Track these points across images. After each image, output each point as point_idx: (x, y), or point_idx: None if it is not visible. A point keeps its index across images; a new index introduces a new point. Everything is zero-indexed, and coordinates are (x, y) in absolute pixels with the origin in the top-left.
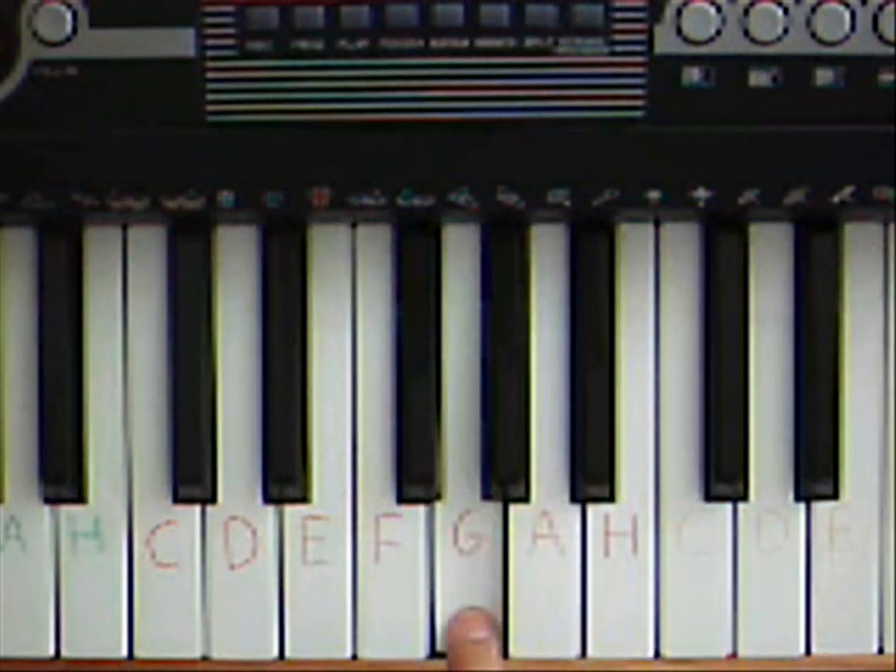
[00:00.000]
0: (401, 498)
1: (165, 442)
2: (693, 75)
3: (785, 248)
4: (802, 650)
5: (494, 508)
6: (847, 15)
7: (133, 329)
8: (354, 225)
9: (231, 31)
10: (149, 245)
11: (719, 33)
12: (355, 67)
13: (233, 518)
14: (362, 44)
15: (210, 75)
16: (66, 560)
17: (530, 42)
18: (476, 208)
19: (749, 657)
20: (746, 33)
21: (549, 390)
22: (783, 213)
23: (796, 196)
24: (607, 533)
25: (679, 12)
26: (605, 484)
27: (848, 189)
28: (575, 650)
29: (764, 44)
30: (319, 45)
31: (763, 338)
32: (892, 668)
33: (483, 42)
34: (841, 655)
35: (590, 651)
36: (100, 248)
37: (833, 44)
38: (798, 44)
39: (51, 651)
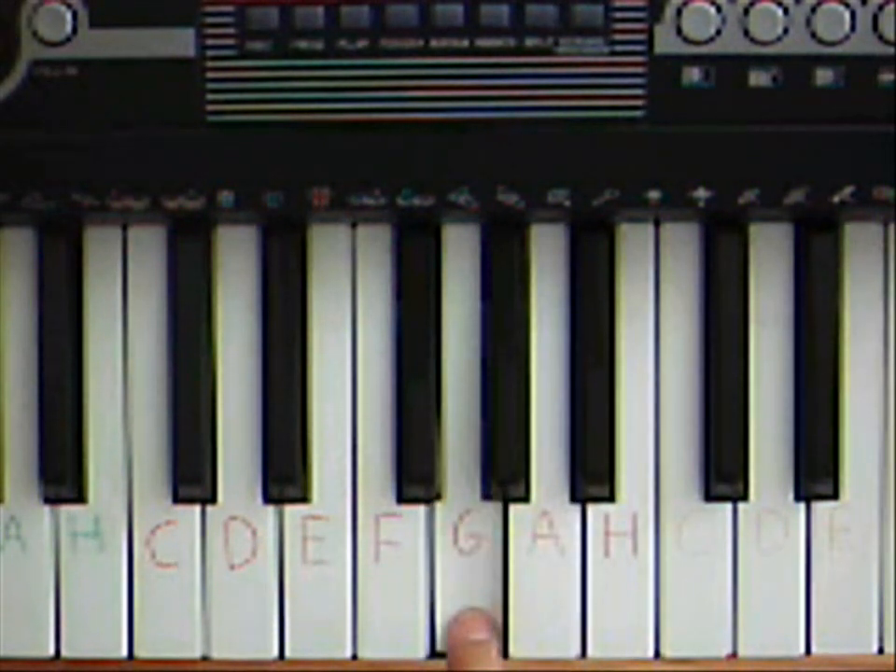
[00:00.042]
0: (401, 498)
1: (165, 442)
2: (692, 75)
3: (785, 248)
4: (802, 650)
5: (494, 508)
6: (846, 15)
7: (133, 329)
8: (354, 225)
9: (231, 31)
10: (149, 245)
11: (719, 33)
12: (355, 67)
13: (233, 518)
14: (362, 44)
15: (210, 75)
16: (66, 560)
17: (530, 42)
18: (476, 208)
19: (748, 657)
20: (746, 33)
21: (549, 390)
22: (783, 213)
23: (796, 196)
24: (607, 533)
25: (678, 12)
26: (605, 484)
27: (848, 189)
28: (575, 650)
29: (764, 44)
30: (319, 45)
31: (762, 338)
32: (892, 668)
33: (483, 42)
34: (841, 655)
35: (590, 651)
36: (100, 248)
37: (832, 44)
38: (798, 44)
39: (51, 651)
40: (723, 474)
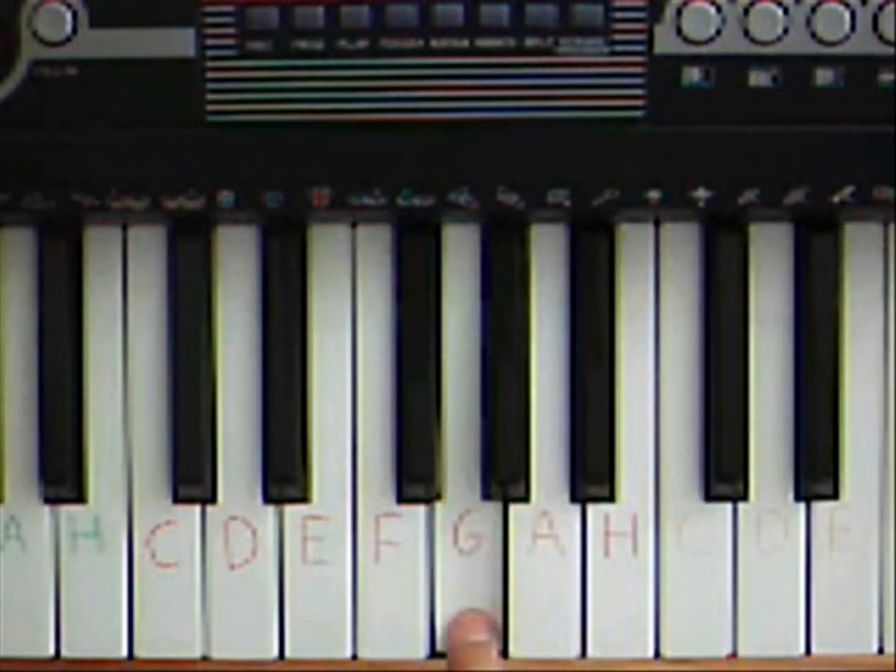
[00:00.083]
0: (401, 498)
1: (165, 442)
2: (692, 75)
3: (785, 248)
4: (802, 650)
5: (494, 508)
6: (846, 15)
7: (133, 329)
8: (354, 225)
9: (231, 31)
10: (149, 245)
11: (719, 33)
12: (355, 67)
13: (233, 518)
14: (362, 44)
15: (210, 75)
16: (66, 560)
17: (530, 42)
18: (476, 208)
19: (748, 657)
20: (746, 33)
21: (549, 390)
22: (783, 213)
23: (796, 196)
24: (607, 533)
25: (679, 12)
26: (605, 484)
27: (848, 189)
28: (575, 650)
29: (764, 44)
30: (319, 45)
31: (762, 338)
32: (892, 668)
33: (483, 42)
34: (841, 655)
35: (590, 651)
36: (100, 248)
37: (833, 44)
38: (798, 44)
39: (51, 651)
40: (723, 474)
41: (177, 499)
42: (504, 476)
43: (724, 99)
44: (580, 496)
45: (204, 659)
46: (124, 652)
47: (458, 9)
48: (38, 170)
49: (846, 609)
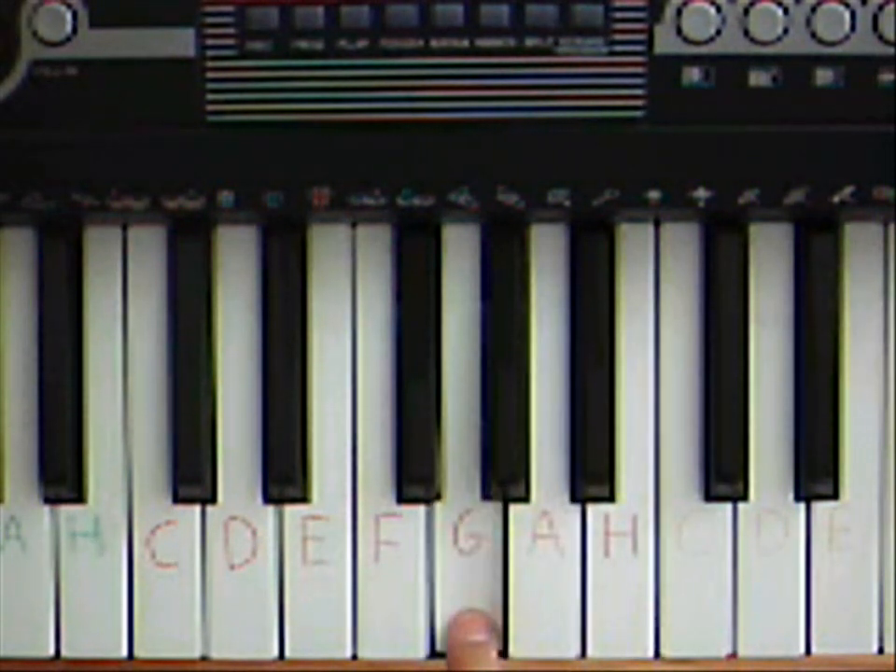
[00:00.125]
0: (401, 498)
1: (165, 442)
2: (692, 75)
3: (785, 248)
4: (802, 650)
5: (494, 508)
6: (846, 15)
7: (133, 329)
8: (354, 225)
9: (231, 31)
10: (149, 245)
11: (719, 33)
12: (355, 67)
13: (233, 518)
14: (362, 44)
15: (210, 75)
16: (66, 560)
17: (530, 42)
18: (476, 208)
19: (748, 657)
20: (746, 33)
21: (549, 390)
22: (783, 213)
23: (796, 196)
24: (607, 533)
25: (679, 12)
26: (605, 484)
27: (848, 189)
28: (575, 650)
29: (764, 44)
30: (319, 45)
31: (762, 338)
32: (892, 668)
33: (483, 42)
34: (841, 655)
35: (590, 651)
36: (100, 248)
37: (833, 44)
38: (798, 44)
39: (51, 651)
40: (723, 474)
41: (177, 499)
42: (504, 476)
43: (724, 99)
44: (580, 496)
45: (204, 659)
46: (124, 652)
47: (458, 9)
48: (38, 170)
49: (845, 609)
